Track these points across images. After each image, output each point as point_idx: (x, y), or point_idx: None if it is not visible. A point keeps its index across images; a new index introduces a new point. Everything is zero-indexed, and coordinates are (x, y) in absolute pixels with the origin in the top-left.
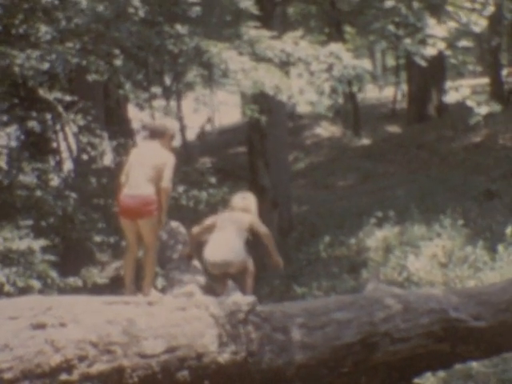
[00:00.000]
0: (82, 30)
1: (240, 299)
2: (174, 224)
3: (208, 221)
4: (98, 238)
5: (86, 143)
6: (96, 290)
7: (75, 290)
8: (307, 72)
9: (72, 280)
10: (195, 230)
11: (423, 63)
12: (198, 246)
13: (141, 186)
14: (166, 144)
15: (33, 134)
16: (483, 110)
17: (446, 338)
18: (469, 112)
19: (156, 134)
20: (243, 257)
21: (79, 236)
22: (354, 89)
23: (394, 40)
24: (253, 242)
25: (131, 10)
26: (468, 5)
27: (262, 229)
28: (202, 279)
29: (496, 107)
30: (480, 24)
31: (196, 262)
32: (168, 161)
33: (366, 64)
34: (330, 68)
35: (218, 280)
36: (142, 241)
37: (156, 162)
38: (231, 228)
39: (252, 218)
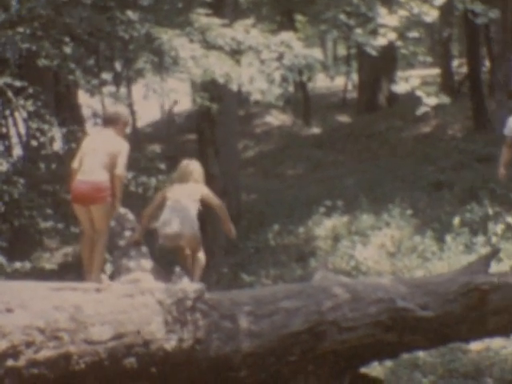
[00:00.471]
0: (33, 15)
1: (188, 287)
2: (122, 210)
3: (158, 196)
4: (45, 224)
5: (36, 129)
6: (44, 275)
7: (23, 276)
8: (258, 60)
9: (20, 265)
10: (147, 210)
11: (374, 53)
12: (148, 229)
13: (94, 172)
14: (120, 131)
15: None
16: (432, 101)
17: (394, 328)
18: (418, 103)
19: (110, 121)
20: (195, 230)
21: (27, 222)
22: (305, 78)
23: (345, 30)
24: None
25: None
26: None
27: (214, 199)
28: (149, 266)
29: (445, 99)
30: (431, 15)
31: (144, 248)
32: (122, 148)
33: (316, 53)
34: (280, 57)
35: (176, 254)
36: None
37: (110, 149)
38: (183, 200)
39: (203, 188)
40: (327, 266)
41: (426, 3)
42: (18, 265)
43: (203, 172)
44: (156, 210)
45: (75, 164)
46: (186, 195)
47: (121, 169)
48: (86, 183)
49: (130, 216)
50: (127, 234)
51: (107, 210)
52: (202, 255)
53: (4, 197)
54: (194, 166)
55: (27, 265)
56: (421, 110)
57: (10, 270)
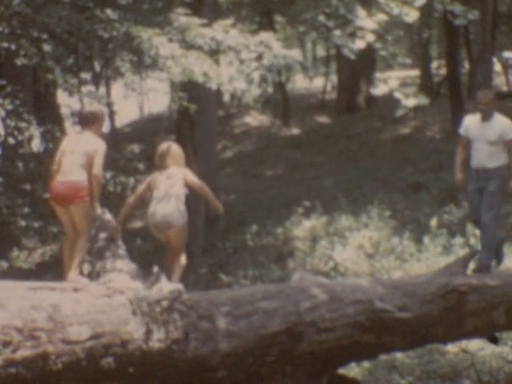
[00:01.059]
0: (11, 13)
1: (165, 287)
2: (99, 211)
3: (142, 185)
4: (22, 223)
5: (14, 127)
6: (22, 275)
7: (0, 275)
8: (237, 60)
9: None
10: (131, 198)
11: (352, 56)
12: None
13: (72, 172)
14: (97, 130)
15: None
16: (410, 103)
17: (372, 329)
18: (398, 104)
19: (86, 121)
20: (184, 222)
21: (4, 220)
22: (283, 78)
23: (323, 31)
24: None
25: None
26: None
27: (195, 180)
28: (126, 267)
29: (423, 100)
30: (412, 15)
31: (123, 248)
32: (99, 148)
33: (296, 54)
34: (259, 57)
35: (164, 246)
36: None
37: (87, 148)
38: (170, 189)
39: (184, 171)
40: (305, 267)
41: (406, 4)
42: None
43: (182, 154)
44: (139, 198)
45: (54, 165)
46: (170, 184)
47: (97, 168)
48: (65, 184)
49: (108, 216)
50: (102, 235)
51: (86, 209)
52: (183, 256)
53: None
54: (173, 149)
55: (3, 264)
56: (399, 112)
57: None
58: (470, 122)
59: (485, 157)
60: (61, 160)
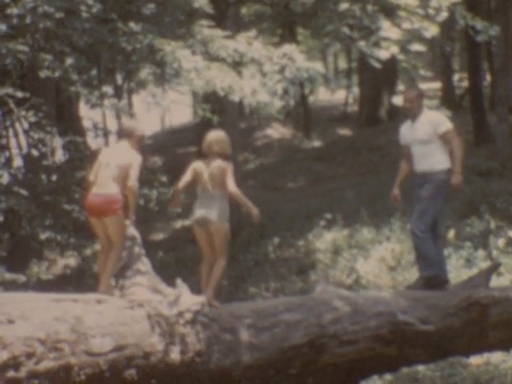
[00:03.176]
0: (34, 26)
1: (188, 299)
2: (133, 232)
3: (187, 174)
4: (43, 235)
5: (37, 139)
6: (44, 287)
7: (23, 287)
8: (260, 73)
9: (16, 276)
10: (180, 184)
11: (377, 65)
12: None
13: (107, 185)
14: (134, 144)
15: None
16: None
17: (394, 341)
18: None
19: (124, 133)
20: (224, 219)
21: (27, 232)
22: (307, 91)
23: (348, 42)
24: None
25: (83, 8)
26: (421, 11)
27: (230, 185)
28: (146, 281)
29: (445, 113)
30: (431, 30)
31: (146, 261)
32: (134, 160)
33: (318, 66)
34: (282, 69)
35: (201, 246)
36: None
37: (122, 161)
38: (211, 188)
39: (225, 168)
40: (327, 280)
41: (427, 18)
42: (14, 276)
43: (229, 143)
44: (185, 186)
45: (91, 177)
46: (214, 179)
47: (133, 181)
48: (99, 196)
49: (132, 231)
50: (124, 253)
51: (120, 222)
52: (223, 260)
53: (4, 207)
54: (217, 137)
55: (22, 278)
56: None
57: (8, 279)
58: (403, 128)
59: (420, 159)
60: (97, 172)
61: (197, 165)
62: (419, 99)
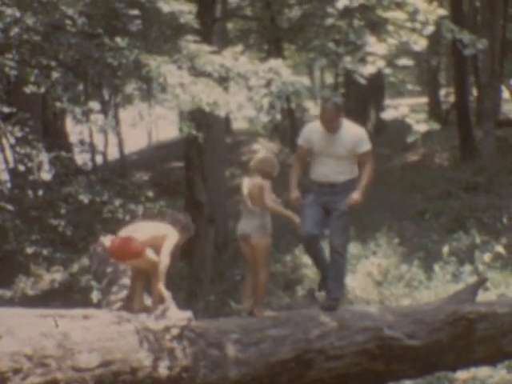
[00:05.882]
0: (19, 41)
1: (175, 314)
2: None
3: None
4: (30, 250)
5: (23, 155)
6: (30, 302)
7: (9, 302)
8: (246, 87)
9: (2, 292)
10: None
11: (363, 81)
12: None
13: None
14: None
15: None
16: (422, 128)
17: (381, 356)
18: (407, 131)
19: (171, 220)
20: (264, 234)
21: (13, 247)
22: (293, 105)
23: (334, 58)
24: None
25: (68, 22)
26: (409, 24)
27: (264, 198)
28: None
29: (434, 125)
30: (420, 44)
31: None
32: (170, 234)
33: (304, 80)
34: (268, 84)
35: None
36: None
37: (154, 232)
38: (251, 204)
39: (262, 185)
40: (314, 295)
41: (414, 32)
42: (0, 291)
43: (276, 165)
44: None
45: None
46: (249, 196)
47: (164, 254)
48: (120, 238)
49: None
50: (109, 269)
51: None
52: (265, 272)
53: None
54: (262, 157)
55: (8, 293)
56: (411, 138)
57: None
58: (313, 133)
59: (332, 172)
60: None
61: (243, 181)
62: (339, 113)
